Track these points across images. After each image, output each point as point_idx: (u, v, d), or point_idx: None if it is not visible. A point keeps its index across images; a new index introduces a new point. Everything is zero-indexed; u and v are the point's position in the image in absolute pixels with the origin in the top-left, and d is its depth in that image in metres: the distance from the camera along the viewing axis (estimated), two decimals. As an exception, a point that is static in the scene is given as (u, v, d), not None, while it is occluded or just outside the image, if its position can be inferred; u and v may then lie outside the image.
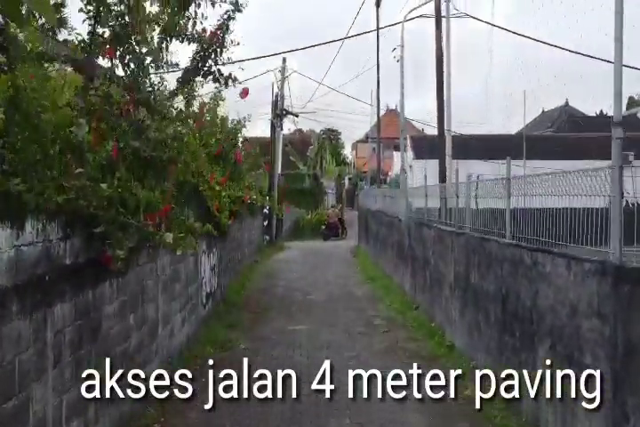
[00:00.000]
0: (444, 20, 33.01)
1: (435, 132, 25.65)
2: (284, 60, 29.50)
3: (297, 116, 32.94)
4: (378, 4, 27.08)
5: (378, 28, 27.60)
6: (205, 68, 8.19)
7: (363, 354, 11.03)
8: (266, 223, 31.51)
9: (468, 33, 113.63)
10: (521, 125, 76.21)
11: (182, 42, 7.80)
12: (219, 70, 8.57)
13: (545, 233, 7.45)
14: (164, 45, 7.56)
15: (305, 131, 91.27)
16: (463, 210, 11.40)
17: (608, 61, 14.69)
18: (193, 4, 7.65)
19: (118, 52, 6.69)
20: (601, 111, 64.75)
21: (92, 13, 6.61)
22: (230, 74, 8.61)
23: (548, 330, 6.88)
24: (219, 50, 8.26)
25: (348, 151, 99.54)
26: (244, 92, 10.85)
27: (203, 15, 7.86)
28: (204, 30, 8.06)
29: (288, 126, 57.89)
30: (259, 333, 12.57)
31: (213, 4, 7.97)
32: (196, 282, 11.99)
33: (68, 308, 5.45)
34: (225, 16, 8.32)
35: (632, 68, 38.16)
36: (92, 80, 6.27)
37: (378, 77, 31.25)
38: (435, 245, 12.93)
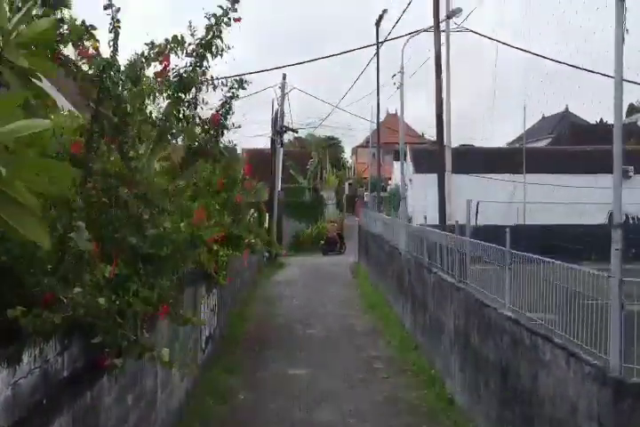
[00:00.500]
0: (444, 34, 33.19)
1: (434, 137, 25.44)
2: (284, 76, 29.48)
3: (296, 131, 33.02)
4: (378, 24, 26.99)
5: (378, 48, 27.60)
6: (207, 149, 8.12)
7: (362, 407, 11.02)
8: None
9: (469, 41, 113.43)
10: (521, 130, 75.88)
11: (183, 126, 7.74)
12: (220, 151, 8.51)
13: (544, 316, 7.41)
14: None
15: (304, 136, 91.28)
16: (463, 259, 11.38)
17: (608, 76, 14.61)
18: (194, 88, 7.59)
19: (115, 143, 6.65)
20: (601, 119, 64.56)
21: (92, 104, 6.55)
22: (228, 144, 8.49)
23: (548, 419, 6.85)
24: (220, 131, 8.21)
25: (348, 155, 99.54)
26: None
27: (203, 100, 7.81)
28: (204, 120, 8.01)
29: (288, 137, 57.96)
30: (258, 378, 12.56)
31: (215, 88, 7.92)
32: (196, 332, 11.96)
33: (66, 420, 5.42)
34: (228, 94, 8.23)
35: (632, 82, 38.17)
36: (90, 174, 6.22)
37: (378, 100, 31.27)
38: (434, 291, 12.91)
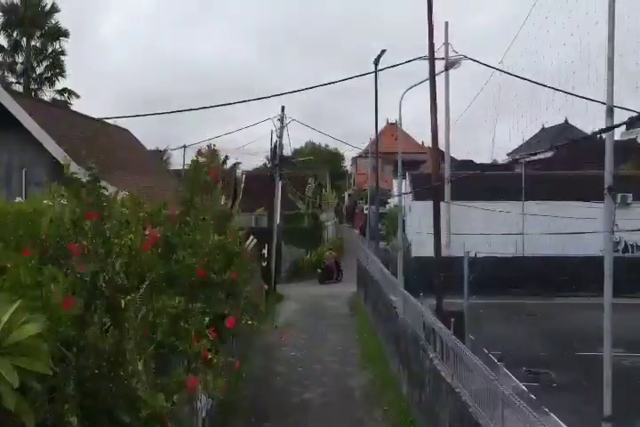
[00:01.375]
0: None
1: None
2: (283, 108, 29.40)
3: (296, 164, 33.04)
4: (376, 63, 26.92)
5: (376, 88, 27.52)
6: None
7: None
8: (264, 264, 31.56)
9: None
10: (520, 141, 75.58)
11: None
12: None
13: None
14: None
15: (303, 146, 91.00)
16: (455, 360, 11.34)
17: (601, 102, 14.64)
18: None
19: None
20: (599, 131, 64.15)
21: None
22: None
23: None
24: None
25: (348, 162, 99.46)
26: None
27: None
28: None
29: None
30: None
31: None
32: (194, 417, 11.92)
33: None
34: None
35: (624, 108, 38.23)
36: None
37: (376, 133, 31.19)
38: (430, 380, 12.88)
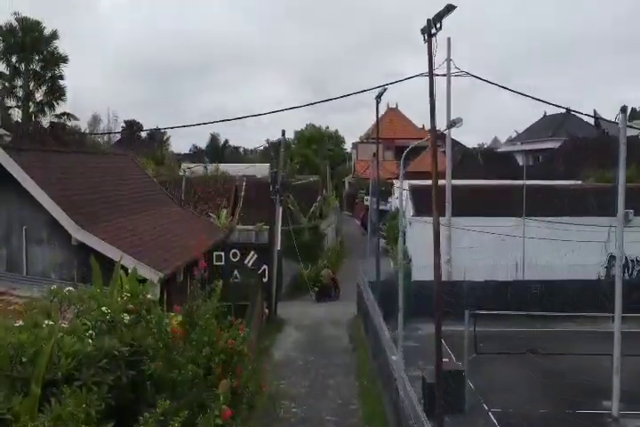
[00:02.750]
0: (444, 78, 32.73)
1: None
2: (283, 132, 29.13)
3: (294, 187, 32.92)
4: (378, 99, 26.57)
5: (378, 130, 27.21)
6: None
7: None
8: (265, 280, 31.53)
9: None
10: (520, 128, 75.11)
11: None
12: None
13: None
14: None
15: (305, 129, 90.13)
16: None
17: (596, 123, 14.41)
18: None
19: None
20: (604, 131, 63.89)
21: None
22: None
23: None
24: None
25: (348, 145, 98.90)
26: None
27: None
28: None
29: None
30: None
31: None
32: None
33: None
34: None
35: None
36: None
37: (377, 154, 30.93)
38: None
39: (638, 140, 56.57)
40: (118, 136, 78.23)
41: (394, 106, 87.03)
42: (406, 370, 17.27)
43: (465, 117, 19.02)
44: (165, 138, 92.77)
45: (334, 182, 54.52)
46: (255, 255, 34.77)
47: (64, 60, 31.04)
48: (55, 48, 30.83)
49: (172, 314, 9.94)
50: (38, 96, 30.73)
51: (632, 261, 34.69)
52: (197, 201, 40.09)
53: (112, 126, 66.58)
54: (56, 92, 30.86)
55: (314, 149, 61.35)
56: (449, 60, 32.29)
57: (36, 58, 30.61)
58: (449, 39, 32.11)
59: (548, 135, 70.60)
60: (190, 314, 9.47)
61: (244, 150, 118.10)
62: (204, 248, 24.54)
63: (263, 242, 33.93)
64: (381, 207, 54.62)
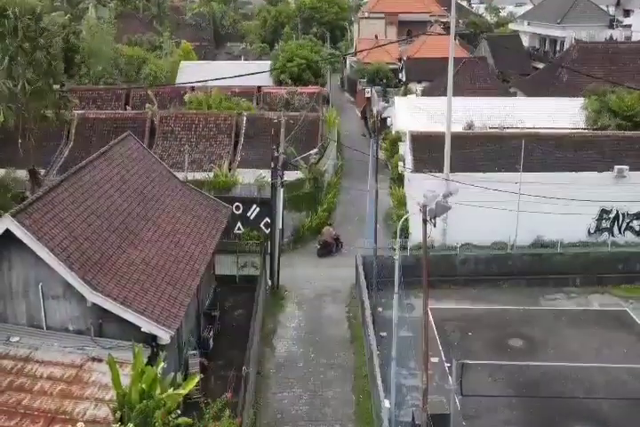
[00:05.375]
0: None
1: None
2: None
3: (298, 168, 33.10)
4: None
5: None
6: None
7: None
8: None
9: None
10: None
11: None
12: None
13: None
14: None
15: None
16: None
17: None
18: None
19: None
20: (611, 36, 61.57)
21: None
22: None
23: None
24: None
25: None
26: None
27: None
28: None
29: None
30: None
31: None
32: None
33: None
34: None
35: None
36: None
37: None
38: None
39: None
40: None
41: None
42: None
43: None
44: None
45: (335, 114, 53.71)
46: (257, 208, 35.94)
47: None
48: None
49: None
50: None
51: (623, 214, 35.69)
52: (199, 140, 40.34)
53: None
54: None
55: (315, 51, 59.52)
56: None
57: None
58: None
59: (556, 21, 68.23)
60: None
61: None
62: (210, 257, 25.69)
63: (265, 196, 34.68)
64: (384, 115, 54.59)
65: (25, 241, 18.85)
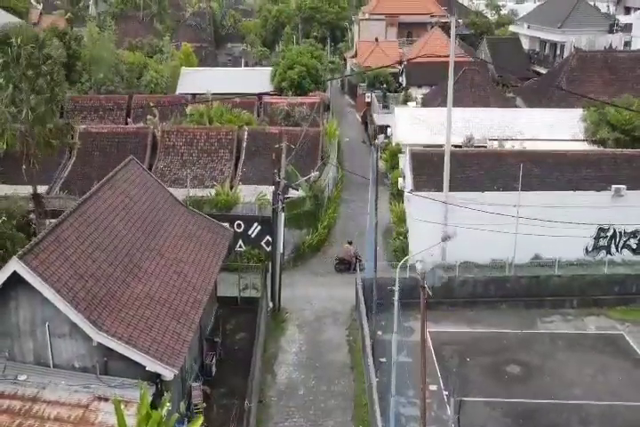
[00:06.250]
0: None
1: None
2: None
3: (297, 189, 33.37)
4: None
5: None
6: None
7: None
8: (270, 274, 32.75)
9: None
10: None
11: None
12: None
13: None
14: None
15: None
16: None
17: None
18: None
19: None
20: (610, 45, 61.66)
21: None
22: None
23: None
24: None
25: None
26: None
27: None
28: None
29: None
30: None
31: None
32: None
33: None
34: None
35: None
36: None
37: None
38: None
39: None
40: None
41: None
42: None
43: None
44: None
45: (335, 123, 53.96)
46: (258, 226, 36.28)
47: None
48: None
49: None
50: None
51: (620, 233, 36.09)
52: (200, 155, 40.69)
53: None
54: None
55: (316, 57, 59.57)
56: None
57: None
58: None
59: (556, 25, 68.31)
60: None
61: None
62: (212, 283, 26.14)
63: (266, 215, 35.03)
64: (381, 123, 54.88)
65: (32, 283, 19.26)
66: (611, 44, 61.78)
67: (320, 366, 27.58)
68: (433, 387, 25.84)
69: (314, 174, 35.85)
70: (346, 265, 35.28)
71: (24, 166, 29.08)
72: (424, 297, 17.68)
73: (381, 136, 29.26)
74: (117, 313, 20.97)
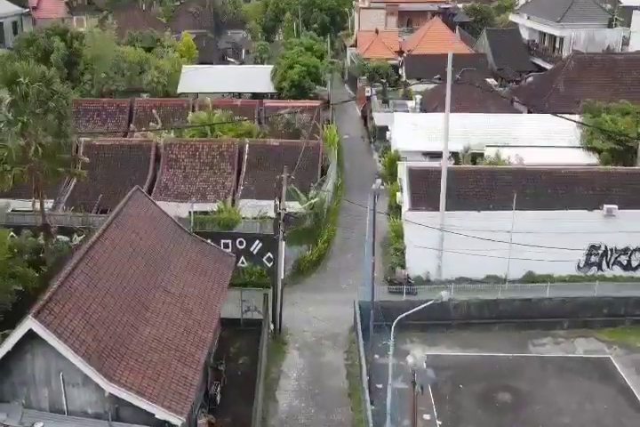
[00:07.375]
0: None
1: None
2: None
3: (296, 217, 34.21)
4: None
5: None
6: None
7: None
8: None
9: None
10: None
11: None
12: None
13: None
14: None
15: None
16: None
17: None
18: None
19: None
20: (608, 46, 61.75)
21: None
22: None
23: None
24: None
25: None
26: None
27: None
28: None
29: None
30: None
31: None
32: None
33: None
34: None
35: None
36: None
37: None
38: None
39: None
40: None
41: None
42: None
43: None
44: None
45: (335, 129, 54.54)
46: (260, 243, 37.32)
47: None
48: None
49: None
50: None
51: (611, 249, 37.14)
52: (202, 168, 41.50)
53: None
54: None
55: (316, 51, 59.97)
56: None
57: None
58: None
59: (555, 19, 68.38)
60: None
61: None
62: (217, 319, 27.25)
63: (267, 233, 36.01)
64: (381, 124, 55.35)
65: (47, 340, 20.39)
66: (609, 47, 61.98)
67: (319, 392, 28.79)
68: (427, 416, 27.13)
69: (314, 200, 36.80)
70: (398, 286, 35.77)
71: (33, 199, 30.03)
72: (415, 395, 18.92)
73: (378, 181, 29.58)
74: (127, 361, 22.12)
